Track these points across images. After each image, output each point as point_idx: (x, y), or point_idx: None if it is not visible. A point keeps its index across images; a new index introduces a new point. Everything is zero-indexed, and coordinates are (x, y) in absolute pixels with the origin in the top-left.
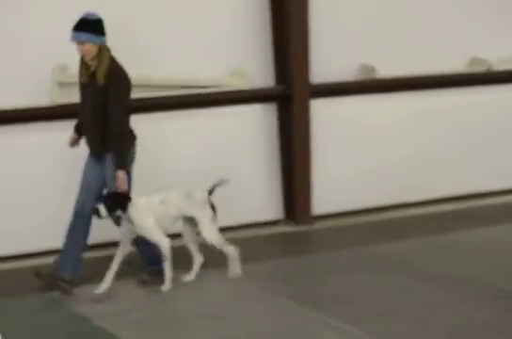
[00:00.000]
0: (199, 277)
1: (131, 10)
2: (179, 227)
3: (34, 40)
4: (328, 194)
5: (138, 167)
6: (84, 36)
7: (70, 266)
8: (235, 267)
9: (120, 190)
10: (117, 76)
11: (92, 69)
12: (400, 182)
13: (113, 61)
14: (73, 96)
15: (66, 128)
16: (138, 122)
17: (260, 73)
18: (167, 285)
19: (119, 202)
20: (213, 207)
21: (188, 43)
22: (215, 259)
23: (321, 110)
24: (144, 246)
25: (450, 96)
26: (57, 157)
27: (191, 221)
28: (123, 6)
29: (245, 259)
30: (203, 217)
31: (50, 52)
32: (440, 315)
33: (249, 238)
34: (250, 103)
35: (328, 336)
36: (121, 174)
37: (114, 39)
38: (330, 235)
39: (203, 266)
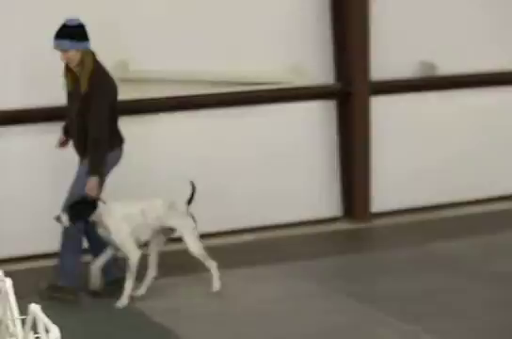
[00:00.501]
0: (256, 273)
1: (192, 6)
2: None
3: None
4: (386, 191)
5: (198, 163)
6: (66, 43)
7: (69, 274)
8: (215, 282)
9: (89, 197)
10: (99, 82)
11: (78, 75)
12: (459, 180)
13: (97, 66)
14: (134, 92)
15: None
16: (195, 119)
17: (319, 70)
18: (123, 300)
19: (84, 210)
20: (192, 218)
21: (247, 40)
22: (271, 256)
23: (380, 107)
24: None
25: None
26: None
27: (165, 232)
28: (186, 1)
29: (303, 256)
30: (186, 229)
31: (111, 48)
32: (496, 314)
33: (308, 235)
34: (309, 100)
35: (386, 334)
36: (92, 180)
37: (174, 34)
38: (388, 233)
39: (257, 263)
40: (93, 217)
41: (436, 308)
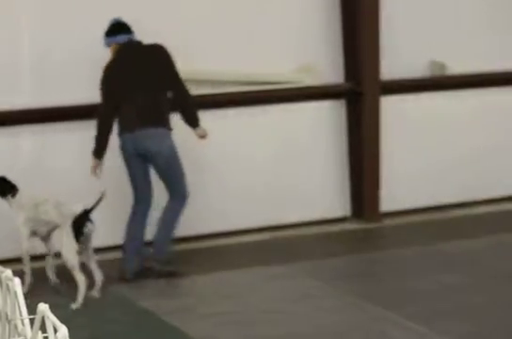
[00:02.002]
0: (265, 273)
1: (203, 7)
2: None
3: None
4: (396, 191)
5: (202, 160)
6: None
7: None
8: (79, 297)
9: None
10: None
11: None
12: (469, 179)
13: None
14: None
15: None
16: (206, 119)
17: (329, 70)
18: (79, 301)
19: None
20: (80, 227)
21: (257, 40)
22: (281, 255)
23: (390, 107)
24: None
25: None
26: None
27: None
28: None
29: (313, 255)
30: (61, 231)
31: None
32: (510, 315)
33: (318, 235)
34: (320, 99)
35: (396, 334)
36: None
37: (184, 34)
38: (398, 233)
39: (267, 263)
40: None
41: (447, 308)
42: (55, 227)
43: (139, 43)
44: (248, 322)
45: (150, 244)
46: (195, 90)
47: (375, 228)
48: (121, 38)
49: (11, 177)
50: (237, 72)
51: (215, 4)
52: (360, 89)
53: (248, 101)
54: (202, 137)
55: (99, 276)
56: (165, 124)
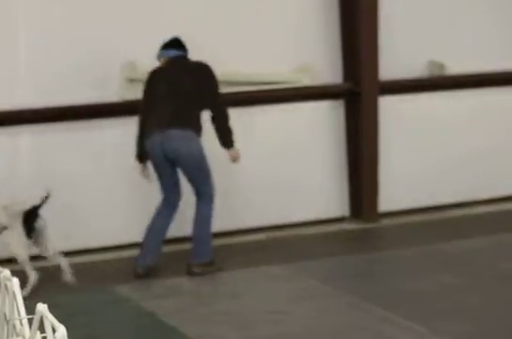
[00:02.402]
0: (264, 273)
1: (201, 7)
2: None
3: (103, 37)
4: (394, 191)
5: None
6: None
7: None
8: (28, 287)
9: None
10: None
11: None
12: (468, 179)
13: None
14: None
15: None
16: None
17: (328, 70)
18: (27, 290)
19: None
20: (31, 222)
21: (256, 40)
22: (279, 255)
23: (389, 107)
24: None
25: None
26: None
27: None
28: (195, 3)
29: (311, 255)
30: (12, 231)
31: (119, 49)
32: (508, 315)
33: (316, 235)
34: (318, 99)
35: (395, 334)
36: None
37: (183, 35)
38: (397, 233)
39: (266, 262)
40: None
41: (446, 308)
42: (3, 228)
43: (187, 58)
44: (247, 322)
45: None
46: None
47: (373, 228)
48: (172, 52)
49: (11, 177)
50: (236, 73)
51: (213, 4)
52: (358, 90)
53: (246, 101)
54: (235, 159)
55: (63, 261)
56: (193, 128)
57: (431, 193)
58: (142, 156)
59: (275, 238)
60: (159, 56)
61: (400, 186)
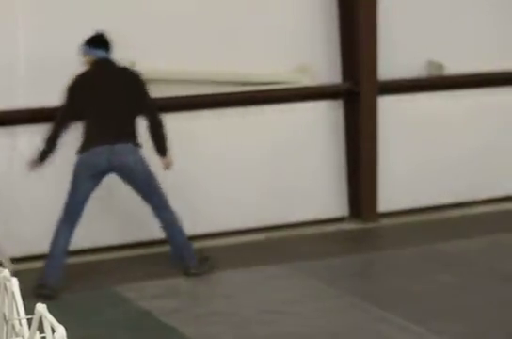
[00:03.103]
0: (263, 273)
1: (199, 7)
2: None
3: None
4: (394, 191)
5: (200, 159)
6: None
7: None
8: None
9: None
10: None
11: None
12: (467, 179)
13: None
14: None
15: None
16: (202, 119)
17: (327, 70)
18: None
19: None
20: None
21: (254, 39)
22: (278, 255)
23: (388, 107)
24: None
25: None
26: None
27: None
28: (195, 3)
29: (310, 256)
30: None
31: (118, 49)
32: (506, 315)
33: (315, 235)
34: (317, 99)
35: (393, 334)
36: None
37: (180, 34)
38: (396, 233)
39: (265, 263)
40: None
41: (444, 308)
42: None
43: (115, 64)
44: (245, 322)
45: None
46: (190, 91)
47: (372, 228)
48: (101, 53)
49: (10, 177)
50: (235, 73)
51: (212, 4)
52: (357, 89)
53: (245, 101)
54: (167, 167)
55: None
56: (136, 141)
57: (430, 193)
58: (46, 157)
59: (274, 238)
60: (84, 53)
61: (399, 186)
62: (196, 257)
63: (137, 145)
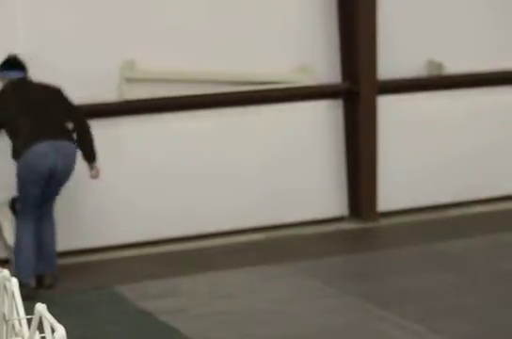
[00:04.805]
0: (263, 273)
1: (200, 6)
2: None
3: (102, 37)
4: (393, 191)
5: (200, 159)
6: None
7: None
8: None
9: None
10: None
11: None
12: (466, 178)
13: None
14: (141, 92)
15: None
16: (202, 119)
17: (326, 69)
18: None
19: None
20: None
21: (254, 39)
22: (278, 255)
23: (387, 107)
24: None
25: None
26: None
27: None
28: (195, 3)
29: (310, 255)
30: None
31: (118, 49)
32: (505, 314)
33: (315, 235)
34: (316, 99)
35: (393, 333)
36: None
37: (182, 34)
38: (395, 233)
39: (265, 262)
40: None
41: (444, 307)
42: None
43: (32, 81)
44: (245, 322)
45: None
46: (191, 91)
47: (372, 228)
48: (15, 73)
49: (9, 177)
50: (235, 73)
51: (212, 4)
52: (357, 89)
53: (245, 101)
54: (95, 176)
55: None
56: (73, 139)
57: (430, 193)
58: None
59: (273, 238)
60: (1, 77)
61: (399, 186)
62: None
63: (75, 144)
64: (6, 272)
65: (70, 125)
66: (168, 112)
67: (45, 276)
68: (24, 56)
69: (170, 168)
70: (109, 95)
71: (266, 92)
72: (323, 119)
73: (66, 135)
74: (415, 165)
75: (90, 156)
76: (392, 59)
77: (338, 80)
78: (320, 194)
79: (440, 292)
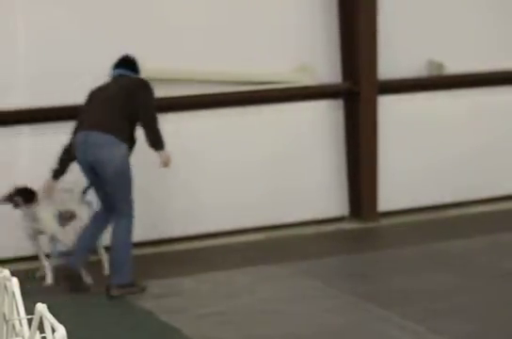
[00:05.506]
0: (263, 273)
1: (203, 7)
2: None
3: (102, 37)
4: (393, 191)
5: (199, 159)
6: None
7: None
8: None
9: None
10: None
11: None
12: (466, 178)
13: None
14: None
15: None
16: (203, 118)
17: (327, 69)
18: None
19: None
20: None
21: (255, 39)
22: (279, 255)
23: (388, 106)
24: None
25: None
26: None
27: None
28: (195, 3)
29: (311, 255)
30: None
31: (118, 49)
32: (506, 314)
33: (315, 235)
34: (317, 99)
35: (393, 333)
36: None
37: (183, 34)
38: (396, 232)
39: (265, 262)
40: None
41: (444, 307)
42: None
43: (125, 76)
44: (245, 322)
45: None
46: (191, 91)
47: (372, 227)
48: (116, 71)
49: (9, 177)
50: (235, 73)
51: (213, 4)
52: (357, 89)
53: (245, 101)
54: (165, 163)
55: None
56: (117, 134)
57: (430, 193)
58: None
59: (274, 238)
60: (109, 76)
61: (399, 186)
62: (124, 279)
63: (121, 139)
64: (6, 272)
65: (130, 121)
66: (168, 112)
67: (111, 287)
68: (24, 56)
69: (170, 167)
70: None
71: (266, 92)
72: (323, 119)
73: (106, 126)
74: (415, 165)
75: (154, 144)
76: (393, 59)
77: (338, 80)
78: (320, 194)
79: (440, 292)
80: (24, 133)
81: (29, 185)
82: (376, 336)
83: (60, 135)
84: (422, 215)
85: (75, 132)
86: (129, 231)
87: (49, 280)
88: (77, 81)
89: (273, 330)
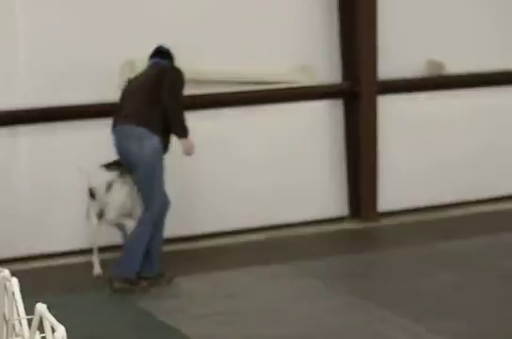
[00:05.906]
0: (263, 273)
1: (202, 7)
2: None
3: (102, 37)
4: (393, 191)
5: (200, 159)
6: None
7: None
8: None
9: None
10: None
11: None
12: (466, 178)
13: None
14: None
15: None
16: (204, 119)
17: (327, 70)
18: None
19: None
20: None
21: (255, 39)
22: (279, 255)
23: (387, 106)
24: None
25: None
26: None
27: None
28: (195, 3)
29: (310, 255)
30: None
31: (118, 49)
32: (506, 314)
33: (315, 235)
34: (317, 99)
35: (392, 333)
36: None
37: (183, 34)
38: (396, 232)
39: (265, 262)
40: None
41: (443, 307)
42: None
43: (159, 64)
44: (246, 322)
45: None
46: (193, 90)
47: (372, 228)
48: (152, 60)
49: (9, 177)
50: (235, 72)
51: (213, 4)
52: (357, 89)
53: (245, 100)
54: (186, 153)
55: None
56: (149, 126)
57: (430, 193)
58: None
59: (274, 238)
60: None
61: (399, 186)
62: (128, 274)
63: (152, 131)
64: (6, 272)
65: (162, 109)
66: None
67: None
68: (24, 56)
69: (170, 168)
70: (109, 95)
71: (266, 92)
72: (323, 119)
73: (136, 118)
74: (416, 164)
75: (175, 131)
76: (393, 59)
77: (338, 80)
78: (320, 194)
79: (440, 292)
80: (24, 133)
81: (29, 184)
82: (376, 336)
83: (60, 135)
84: (422, 215)
85: (113, 124)
86: (144, 233)
87: (97, 269)
88: (77, 81)
89: (273, 330)
